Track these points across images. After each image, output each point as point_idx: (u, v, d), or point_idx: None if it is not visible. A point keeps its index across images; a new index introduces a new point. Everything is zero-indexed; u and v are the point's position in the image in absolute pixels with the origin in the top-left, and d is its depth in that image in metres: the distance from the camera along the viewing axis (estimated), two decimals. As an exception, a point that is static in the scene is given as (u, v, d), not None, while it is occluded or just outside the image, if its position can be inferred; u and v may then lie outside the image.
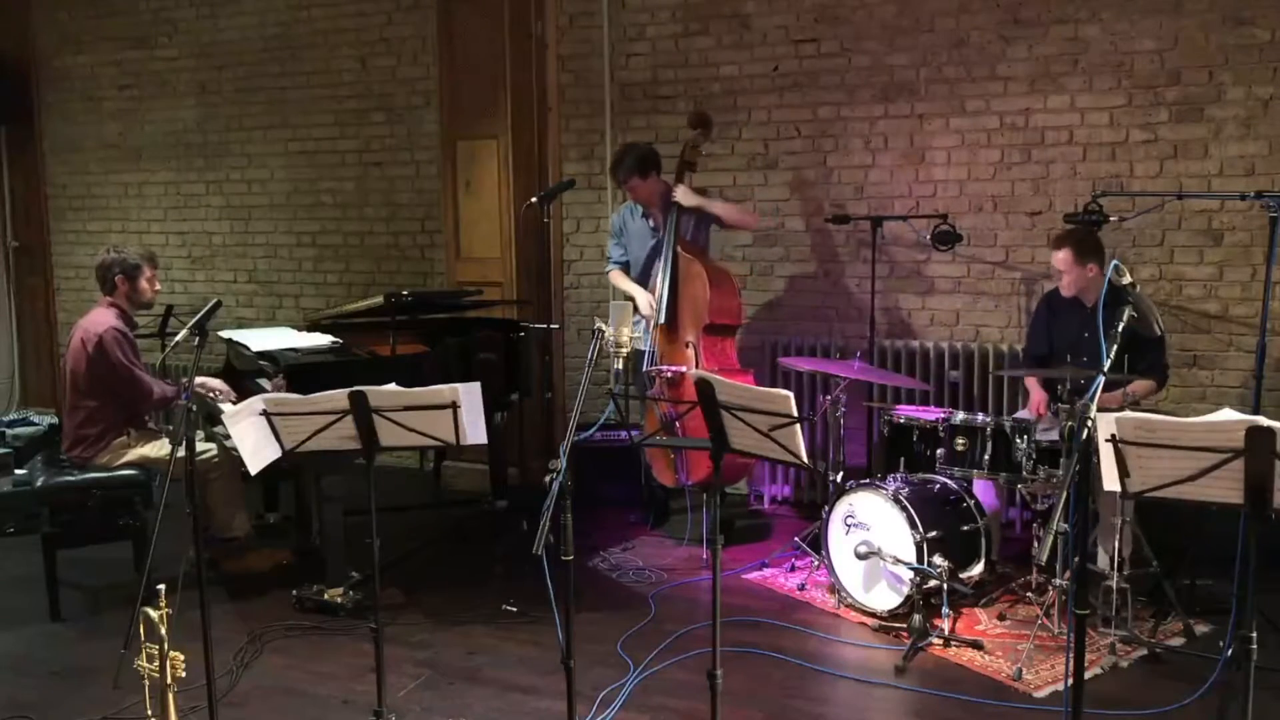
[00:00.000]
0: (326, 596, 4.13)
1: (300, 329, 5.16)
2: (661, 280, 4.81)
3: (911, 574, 3.84)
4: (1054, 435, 3.94)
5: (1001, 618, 4.00)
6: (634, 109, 5.77)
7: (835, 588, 4.19)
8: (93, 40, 7.11)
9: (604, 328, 2.89)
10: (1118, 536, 3.77)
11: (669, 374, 4.75)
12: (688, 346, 4.75)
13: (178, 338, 3.51)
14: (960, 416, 4.14)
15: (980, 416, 4.13)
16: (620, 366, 3.02)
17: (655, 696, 3.45)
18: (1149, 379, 4.21)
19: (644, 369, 4.99)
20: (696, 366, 4.65)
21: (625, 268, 5.16)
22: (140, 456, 4.37)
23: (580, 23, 5.83)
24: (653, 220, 5.01)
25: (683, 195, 4.82)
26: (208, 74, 6.78)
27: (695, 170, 4.96)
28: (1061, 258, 4.21)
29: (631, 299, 4.94)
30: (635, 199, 5.03)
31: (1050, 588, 3.85)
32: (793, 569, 4.57)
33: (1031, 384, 4.50)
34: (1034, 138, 5.01)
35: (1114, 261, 2.86)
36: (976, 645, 3.74)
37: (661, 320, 4.79)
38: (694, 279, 4.74)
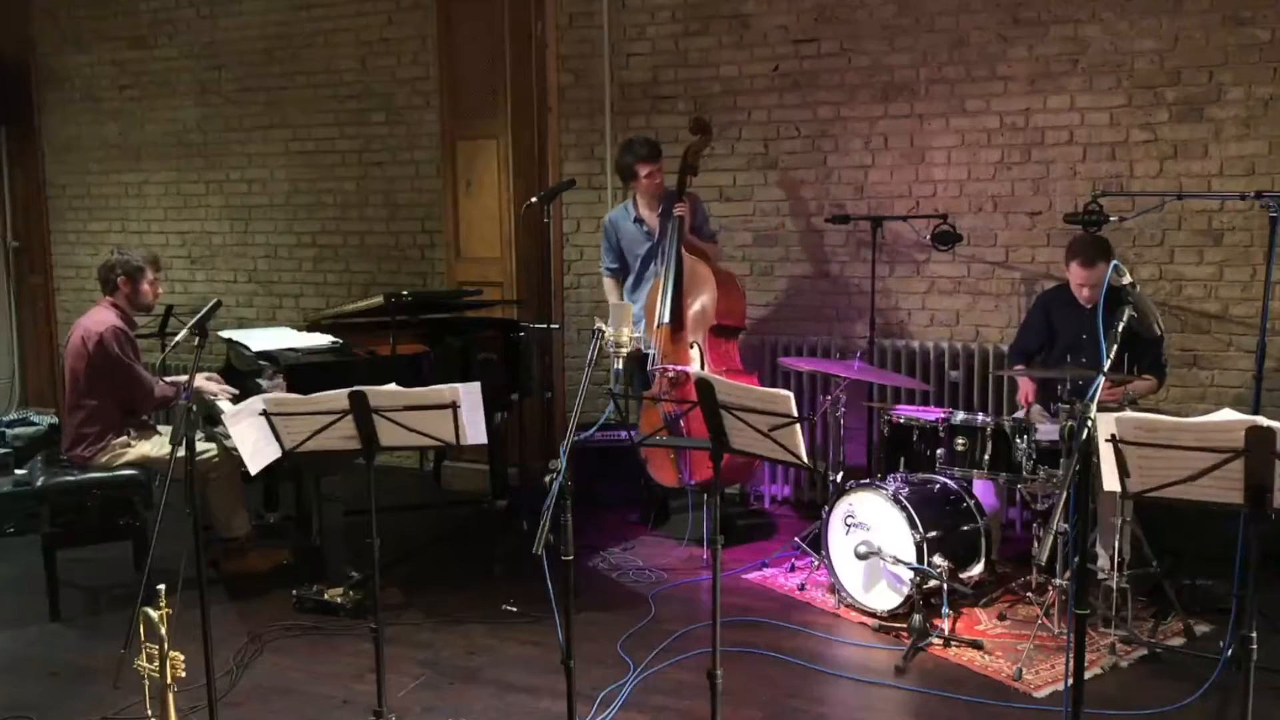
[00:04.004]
0: (326, 596, 4.14)
1: (300, 329, 5.16)
2: (665, 280, 4.81)
3: (911, 574, 3.84)
4: (1053, 434, 3.94)
5: (1001, 618, 4.00)
6: (634, 109, 5.77)
7: (835, 588, 4.19)
8: (93, 40, 7.11)
9: (604, 328, 2.88)
10: (1118, 536, 3.77)
11: (672, 373, 4.74)
12: (692, 346, 4.75)
13: (178, 338, 3.52)
14: (960, 416, 4.14)
15: (980, 416, 4.13)
16: (620, 366, 3.00)
17: (655, 696, 3.45)
18: (1149, 378, 4.21)
19: (647, 368, 4.98)
20: (702, 367, 4.66)
21: (616, 274, 5.13)
22: (140, 456, 4.37)
23: (580, 23, 5.83)
24: (645, 225, 5.01)
25: (685, 218, 4.84)
26: (208, 74, 6.78)
27: (696, 174, 5.02)
28: (1102, 271, 4.10)
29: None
30: (645, 186, 4.92)
31: (1050, 588, 3.85)
32: (793, 569, 4.57)
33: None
34: (1034, 138, 5.01)
35: (1114, 261, 2.86)
36: (976, 645, 3.74)
37: (666, 320, 4.79)
38: (702, 280, 4.76)
